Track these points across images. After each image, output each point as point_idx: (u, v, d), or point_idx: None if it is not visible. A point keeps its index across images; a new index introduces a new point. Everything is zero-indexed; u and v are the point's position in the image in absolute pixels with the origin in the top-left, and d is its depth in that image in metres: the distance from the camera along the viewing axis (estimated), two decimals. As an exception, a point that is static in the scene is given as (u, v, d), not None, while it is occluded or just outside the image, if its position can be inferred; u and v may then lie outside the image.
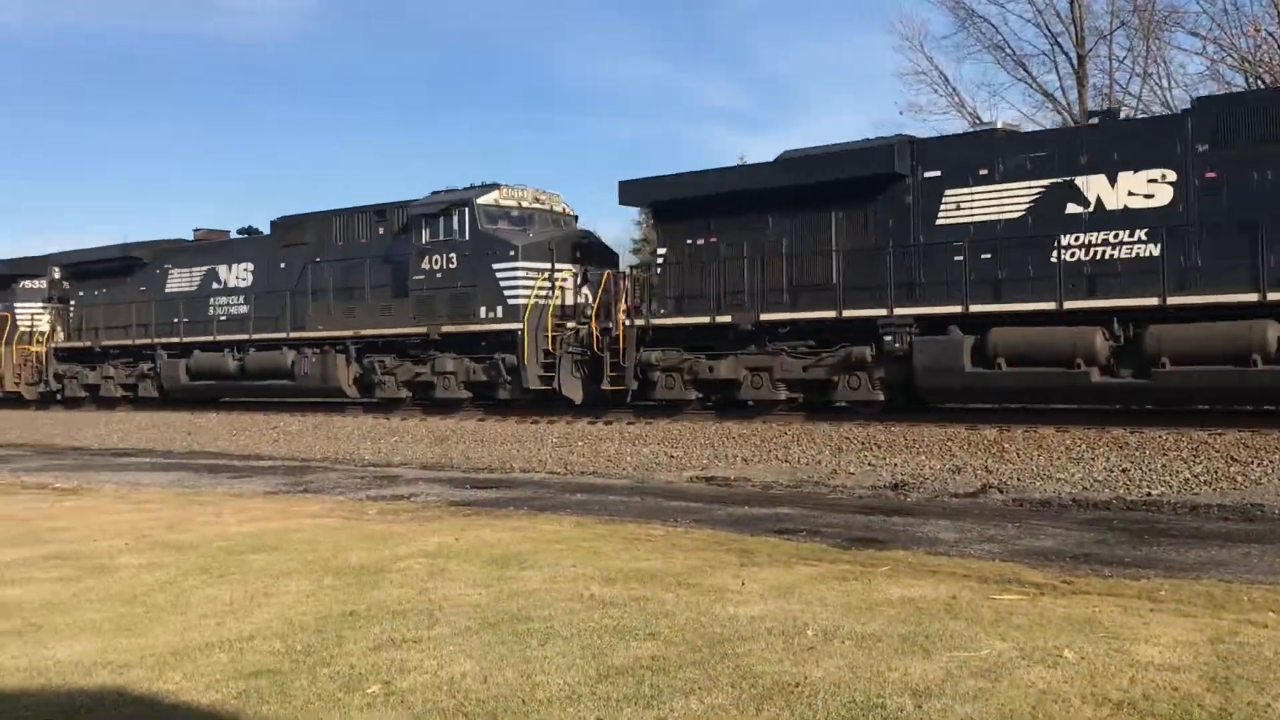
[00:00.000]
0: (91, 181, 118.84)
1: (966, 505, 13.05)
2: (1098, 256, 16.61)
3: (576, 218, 25.50)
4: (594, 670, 5.65)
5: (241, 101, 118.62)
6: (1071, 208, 16.84)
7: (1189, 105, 18.20)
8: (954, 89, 39.27)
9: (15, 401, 34.12)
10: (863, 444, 17.35)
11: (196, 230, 32.09)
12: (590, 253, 24.07)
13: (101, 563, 9.00)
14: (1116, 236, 16.43)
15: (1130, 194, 16.42)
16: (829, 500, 13.67)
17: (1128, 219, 16.38)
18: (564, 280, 23.02)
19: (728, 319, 19.81)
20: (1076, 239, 16.75)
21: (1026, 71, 37.09)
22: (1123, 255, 16.41)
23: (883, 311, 18.02)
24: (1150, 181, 16.26)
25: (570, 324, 22.46)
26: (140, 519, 11.70)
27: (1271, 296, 14.86)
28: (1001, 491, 13.93)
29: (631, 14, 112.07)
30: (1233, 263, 15.37)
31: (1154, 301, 15.70)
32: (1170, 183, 16.12)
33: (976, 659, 5.77)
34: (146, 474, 17.86)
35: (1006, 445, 15.84)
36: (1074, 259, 16.73)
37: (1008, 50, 37.26)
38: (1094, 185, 16.69)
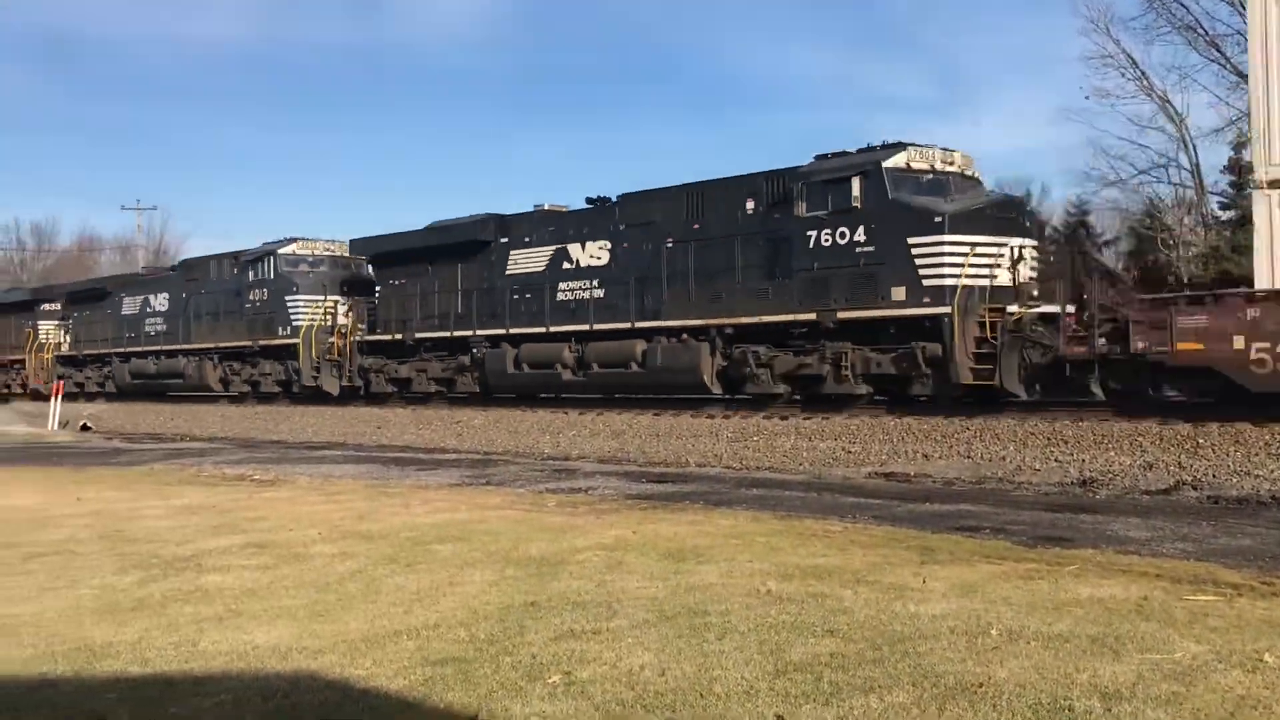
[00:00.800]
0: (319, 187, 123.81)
1: (1158, 503, 12.58)
2: (574, 297, 25.13)
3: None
4: (771, 666, 5.63)
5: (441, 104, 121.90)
6: (565, 265, 25.51)
7: (616, 198, 25.36)
8: (1142, 72, 37.89)
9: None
10: (1048, 439, 16.87)
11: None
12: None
13: (297, 551, 9.36)
14: (584, 285, 24.98)
15: (591, 256, 24.93)
16: (1013, 497, 13.34)
17: (589, 273, 24.89)
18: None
19: (399, 337, 29.40)
20: (567, 285, 25.36)
21: (1220, 52, 35.52)
22: (584, 296, 24.90)
23: (470, 333, 27.44)
24: (599, 248, 24.79)
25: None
26: (333, 509, 12.14)
27: (639, 325, 23.62)
28: (1195, 488, 13.38)
29: (804, 3, 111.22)
30: (626, 303, 23.88)
31: (586, 327, 24.54)
32: (607, 249, 24.59)
33: (1169, 661, 5.56)
34: (339, 466, 18.51)
35: (1201, 440, 15.20)
36: (563, 299, 25.36)
37: (1200, 31, 35.78)
38: (575, 250, 25.29)
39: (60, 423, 33.02)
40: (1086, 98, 45.80)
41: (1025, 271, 19.53)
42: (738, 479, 15.76)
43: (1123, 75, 38.85)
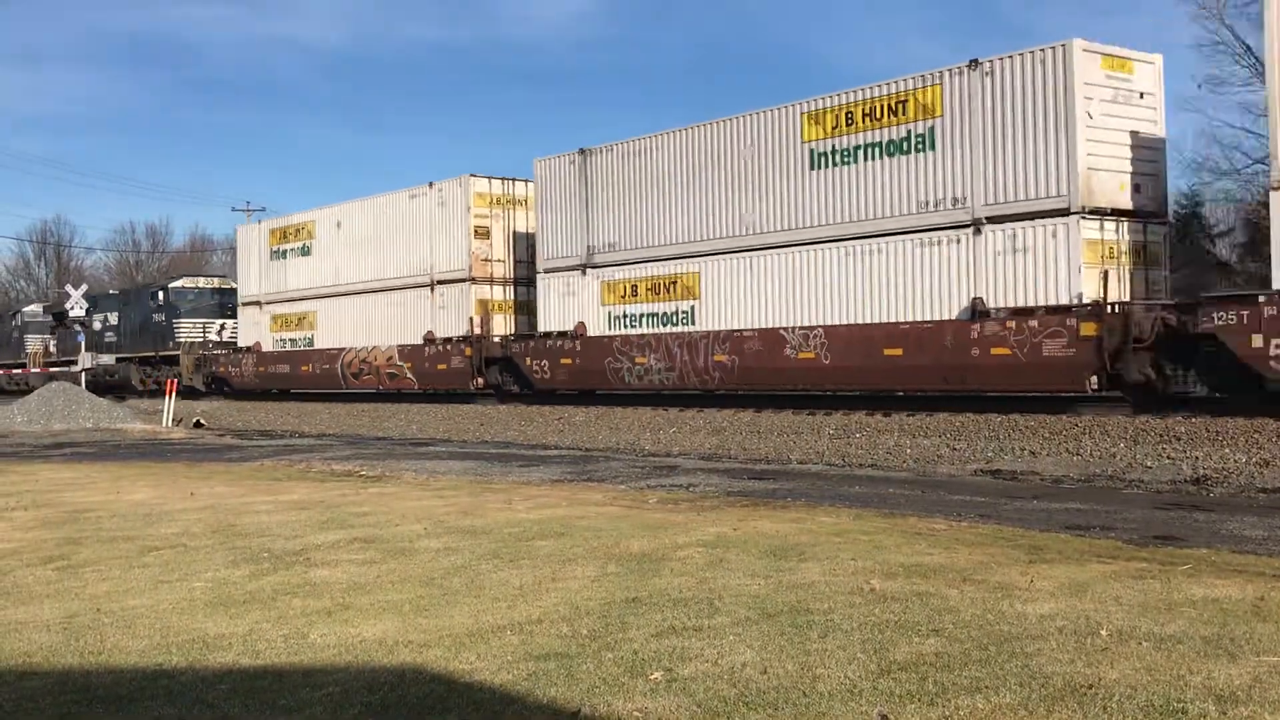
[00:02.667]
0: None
1: (1275, 501, 12.21)
2: None
3: None
4: (875, 665, 5.57)
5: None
6: None
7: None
8: (1257, 59, 36.73)
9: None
10: (1160, 436, 16.48)
11: None
12: None
13: (402, 546, 9.50)
14: None
15: None
16: (1123, 495, 13.04)
17: None
18: None
19: None
20: None
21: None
22: None
23: None
24: None
25: None
26: (437, 505, 12.29)
27: None
28: (1317, 487, 12.96)
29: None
30: None
31: None
32: None
33: (1290, 666, 5.38)
34: (443, 462, 18.74)
35: (1323, 438, 14.72)
36: None
37: (1318, 13, 34.46)
38: None
39: (174, 419, 33.91)
40: (1199, 86, 44.61)
41: None
42: (840, 476, 15.63)
43: (1236, 62, 37.76)
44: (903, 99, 22.49)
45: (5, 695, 5.52)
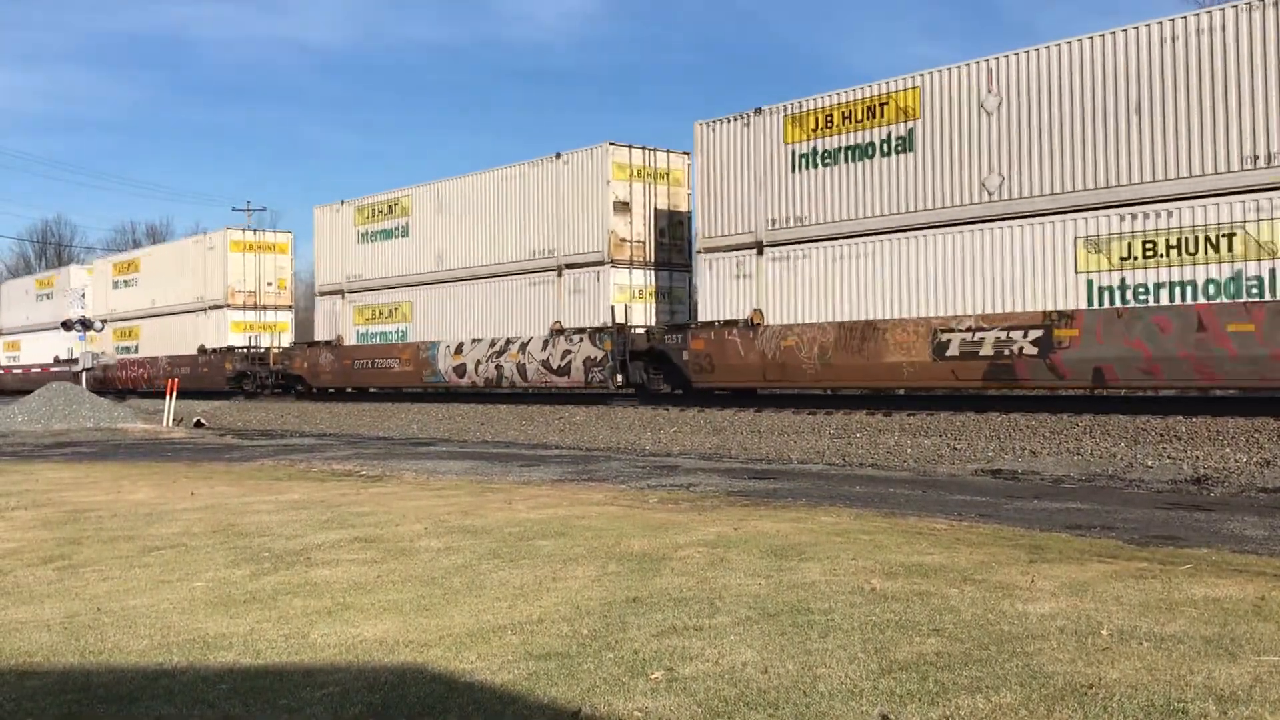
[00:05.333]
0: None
1: (1277, 501, 12.20)
2: None
3: None
4: (876, 665, 5.57)
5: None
6: None
7: None
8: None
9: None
10: (1161, 435, 16.48)
11: None
12: None
13: (403, 546, 9.49)
14: None
15: None
16: (1124, 494, 13.04)
17: None
18: None
19: None
20: None
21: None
22: None
23: None
24: None
25: None
26: (438, 504, 12.29)
27: None
28: (1318, 487, 12.96)
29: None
30: None
31: None
32: None
33: (1291, 666, 5.38)
34: (443, 462, 18.73)
35: (1324, 437, 14.72)
36: None
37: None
38: None
39: (174, 419, 33.91)
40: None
41: None
42: (840, 475, 15.63)
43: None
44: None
45: (5, 695, 5.51)
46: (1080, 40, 20.31)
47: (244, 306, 42.93)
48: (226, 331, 42.43)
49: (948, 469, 16.35)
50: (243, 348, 41.98)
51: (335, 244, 38.87)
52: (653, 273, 30.73)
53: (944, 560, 8.32)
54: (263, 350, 41.86)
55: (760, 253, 25.62)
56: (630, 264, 30.22)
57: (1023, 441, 17.60)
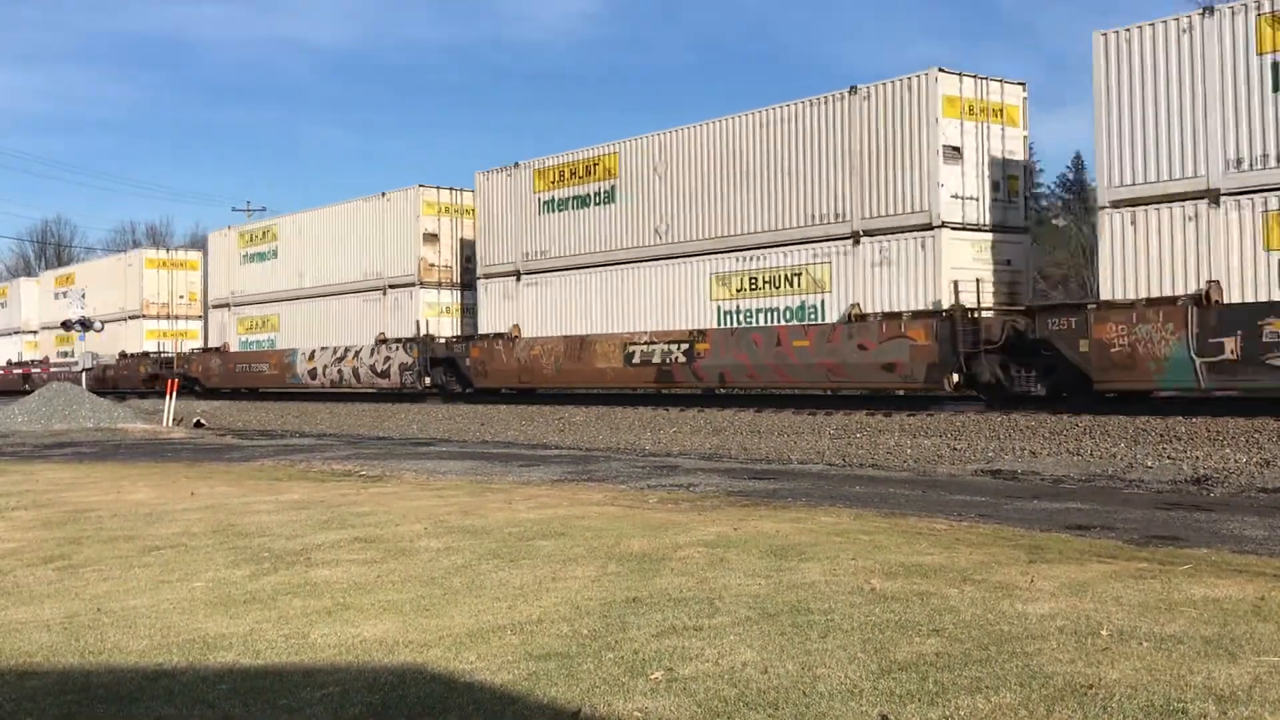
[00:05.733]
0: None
1: (1276, 501, 12.20)
2: None
3: None
4: (875, 665, 5.57)
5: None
6: None
7: None
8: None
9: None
10: (1161, 436, 16.48)
11: None
12: None
13: (403, 546, 9.49)
14: None
15: None
16: (1124, 495, 13.04)
17: None
18: None
19: None
20: None
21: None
22: None
23: None
24: None
25: None
26: (437, 505, 12.29)
27: None
28: (1318, 487, 12.95)
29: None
30: None
31: None
32: None
33: (1290, 666, 5.38)
34: (443, 462, 18.73)
35: (1324, 438, 14.72)
36: None
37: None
38: None
39: (174, 419, 33.91)
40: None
41: None
42: (840, 476, 15.63)
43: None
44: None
45: (6, 695, 5.52)
46: (710, 123, 26.58)
47: (158, 316, 49.90)
48: (142, 338, 49.49)
49: (948, 469, 16.35)
50: (156, 353, 48.78)
51: (223, 264, 44.89)
52: (458, 292, 35.99)
53: (944, 560, 8.32)
54: (170, 356, 48.07)
55: (519, 279, 31.49)
56: (439, 285, 35.67)
57: (1022, 442, 17.60)
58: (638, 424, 24.48)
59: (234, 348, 43.62)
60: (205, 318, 47.81)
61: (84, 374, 41.73)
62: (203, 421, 33.89)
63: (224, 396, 43.47)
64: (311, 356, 38.96)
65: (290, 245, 41.08)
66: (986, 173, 23.00)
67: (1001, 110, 23.39)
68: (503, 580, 7.95)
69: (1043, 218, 64.52)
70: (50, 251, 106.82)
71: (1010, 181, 23.56)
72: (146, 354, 48.65)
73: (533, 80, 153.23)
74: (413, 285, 35.35)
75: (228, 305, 44.24)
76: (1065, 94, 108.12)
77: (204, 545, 9.84)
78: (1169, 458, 15.40)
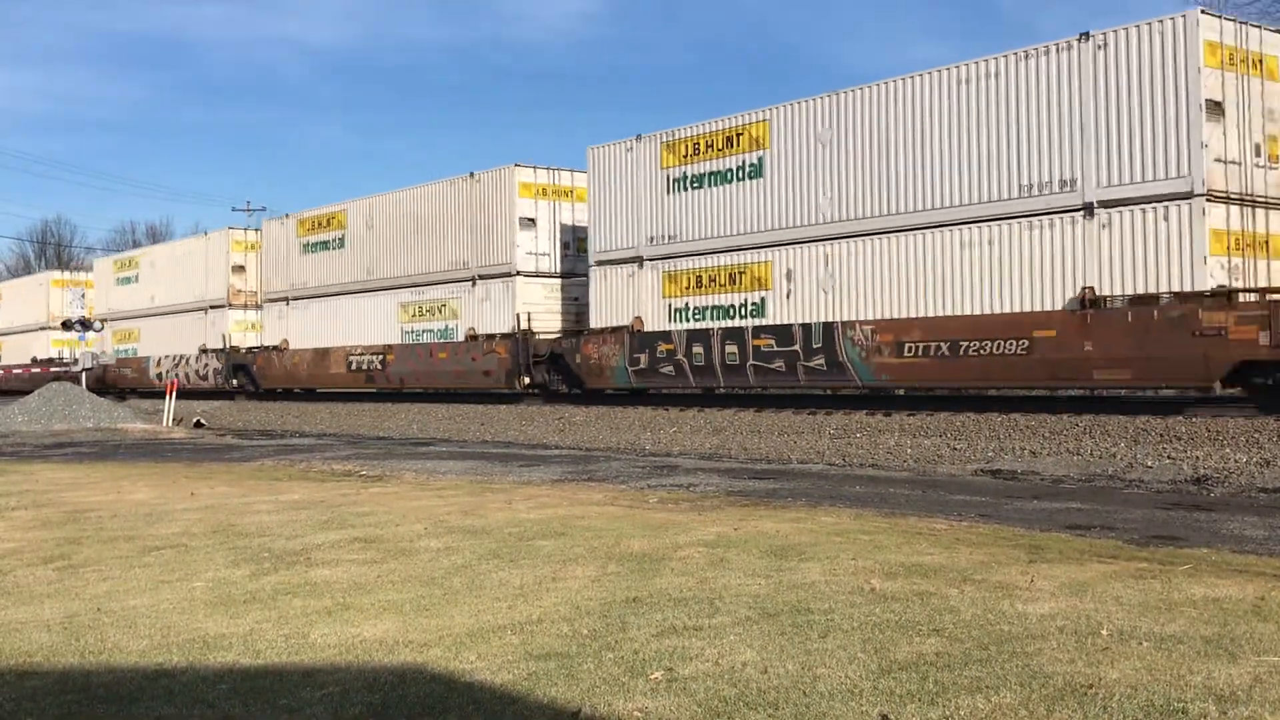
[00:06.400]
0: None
1: (1277, 501, 12.20)
2: None
3: None
4: (875, 665, 5.57)
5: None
6: None
7: None
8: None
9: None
10: (1161, 436, 16.48)
11: None
12: None
13: (403, 546, 9.49)
14: None
15: None
16: (1124, 495, 13.04)
17: None
18: None
19: None
20: None
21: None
22: None
23: None
24: None
25: None
26: (437, 505, 12.29)
27: None
28: (1318, 487, 12.95)
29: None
30: None
31: None
32: None
33: (1290, 666, 5.38)
34: (443, 462, 18.73)
35: (1324, 437, 14.71)
36: None
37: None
38: None
39: (174, 419, 33.90)
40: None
41: None
42: (840, 476, 15.63)
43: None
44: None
45: (6, 695, 5.52)
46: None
47: (60, 328, 55.67)
48: (48, 346, 56.72)
49: (947, 469, 16.35)
50: (58, 359, 55.32)
51: (106, 286, 52.97)
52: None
53: (944, 560, 8.32)
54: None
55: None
56: (245, 307, 43.54)
57: (1022, 441, 17.60)
58: (638, 424, 24.47)
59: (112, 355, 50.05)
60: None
61: (84, 374, 41.69)
62: (203, 421, 33.88)
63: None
64: (158, 363, 46.74)
65: (149, 273, 48.73)
66: (558, 235, 32.27)
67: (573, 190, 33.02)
68: (503, 580, 7.95)
69: None
70: (50, 251, 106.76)
71: (579, 243, 31.73)
72: (51, 360, 52.28)
73: (533, 80, 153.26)
74: (220, 307, 43.12)
75: (106, 320, 51.12)
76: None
77: (204, 545, 9.84)
78: (1169, 458, 15.40)
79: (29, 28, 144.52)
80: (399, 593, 7.64)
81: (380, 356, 35.17)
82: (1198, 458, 15.14)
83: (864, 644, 5.95)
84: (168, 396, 35.46)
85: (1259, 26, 19.97)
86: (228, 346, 42.68)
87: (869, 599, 7.04)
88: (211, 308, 44.16)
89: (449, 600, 7.36)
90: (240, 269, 43.29)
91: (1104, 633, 6.07)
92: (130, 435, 29.43)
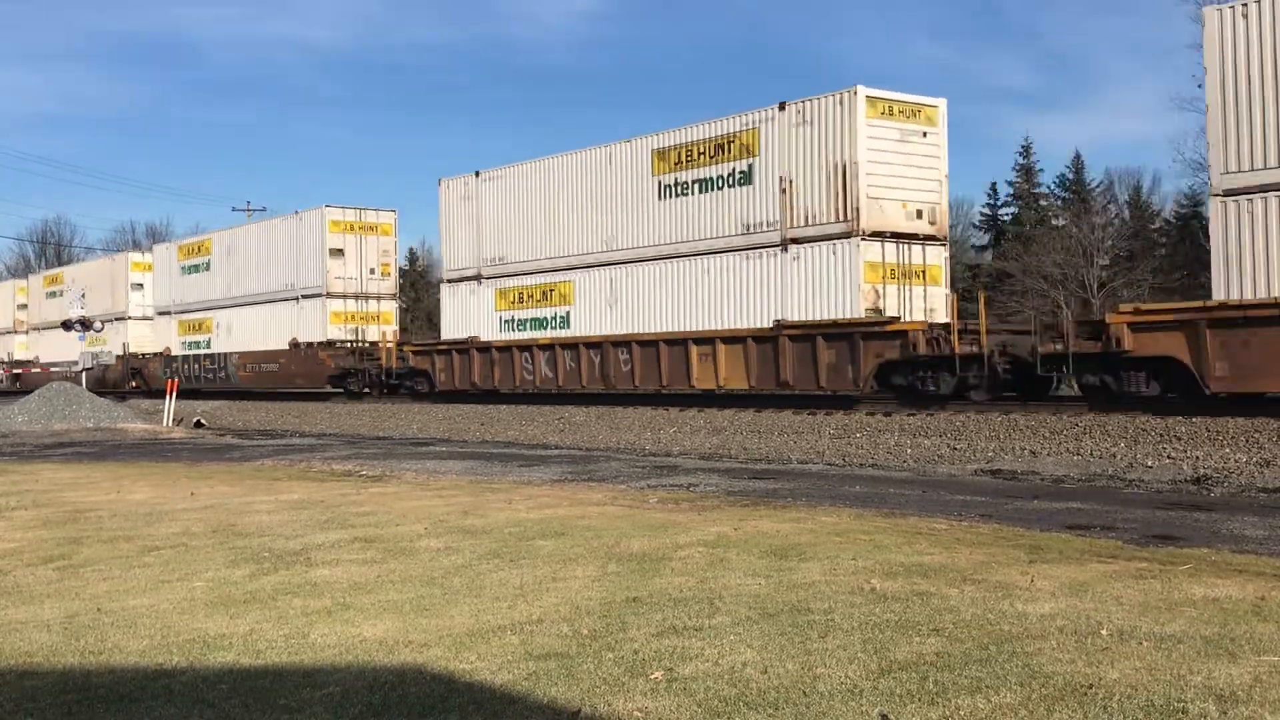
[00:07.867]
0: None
1: (1276, 501, 12.20)
2: None
3: None
4: (876, 665, 5.57)
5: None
6: None
7: None
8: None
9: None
10: (1161, 436, 16.48)
11: None
12: None
13: (403, 546, 9.49)
14: None
15: None
16: (1124, 495, 13.04)
17: None
18: None
19: None
20: None
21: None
22: None
23: None
24: None
25: None
26: (437, 505, 12.29)
27: None
28: (1318, 487, 12.95)
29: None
30: None
31: None
32: None
33: (1291, 666, 5.38)
34: (443, 462, 18.73)
35: (1324, 437, 14.71)
36: None
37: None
38: None
39: (175, 419, 33.90)
40: (1200, 85, 44.45)
41: None
42: (840, 476, 15.63)
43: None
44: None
45: (6, 695, 5.51)
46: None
47: (21, 330, 60.90)
48: (15, 350, 59.67)
49: (948, 469, 16.36)
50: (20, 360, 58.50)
51: (36, 302, 57.85)
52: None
53: (944, 560, 8.32)
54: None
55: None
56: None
57: (1023, 441, 17.59)
58: (638, 424, 24.47)
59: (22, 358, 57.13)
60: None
61: (83, 373, 41.68)
62: (203, 421, 33.89)
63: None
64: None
65: (76, 291, 51.31)
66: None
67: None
68: (503, 580, 7.95)
69: (1044, 216, 64.90)
70: (50, 251, 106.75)
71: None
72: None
73: (533, 80, 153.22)
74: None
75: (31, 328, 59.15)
76: (1064, 94, 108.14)
77: (204, 545, 9.83)
78: (1169, 458, 15.40)
79: (29, 28, 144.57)
80: (399, 593, 7.63)
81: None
82: (1197, 458, 15.14)
83: (864, 644, 5.95)
84: (168, 396, 35.46)
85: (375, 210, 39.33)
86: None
87: (869, 599, 7.03)
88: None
89: (449, 600, 7.36)
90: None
91: (1104, 633, 6.07)
92: (130, 435, 29.43)
